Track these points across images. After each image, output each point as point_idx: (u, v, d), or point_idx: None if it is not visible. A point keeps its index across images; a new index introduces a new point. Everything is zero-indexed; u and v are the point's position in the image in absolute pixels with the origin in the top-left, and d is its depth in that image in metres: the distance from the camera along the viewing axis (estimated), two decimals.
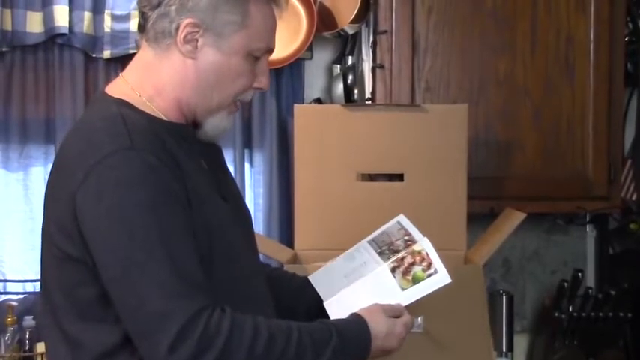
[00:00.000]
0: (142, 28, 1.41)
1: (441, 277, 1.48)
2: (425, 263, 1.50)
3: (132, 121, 1.33)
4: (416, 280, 1.49)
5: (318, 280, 1.62)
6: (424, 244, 1.53)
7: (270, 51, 1.46)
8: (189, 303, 1.23)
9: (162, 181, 1.28)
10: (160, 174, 1.28)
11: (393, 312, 1.46)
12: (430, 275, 1.49)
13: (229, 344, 1.24)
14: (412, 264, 1.51)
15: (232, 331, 1.24)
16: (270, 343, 1.27)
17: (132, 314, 1.24)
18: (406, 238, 1.59)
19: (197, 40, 1.37)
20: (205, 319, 1.23)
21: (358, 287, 1.52)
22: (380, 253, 1.58)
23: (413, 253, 1.52)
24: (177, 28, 1.36)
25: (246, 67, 1.41)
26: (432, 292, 1.48)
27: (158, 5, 1.36)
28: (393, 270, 1.51)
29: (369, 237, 1.63)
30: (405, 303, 1.48)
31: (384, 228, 1.62)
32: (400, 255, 1.53)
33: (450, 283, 1.48)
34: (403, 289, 1.49)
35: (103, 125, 1.33)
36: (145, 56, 1.41)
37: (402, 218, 1.62)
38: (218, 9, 1.36)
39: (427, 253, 1.51)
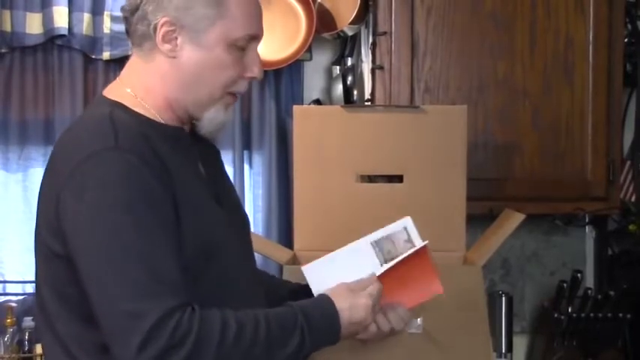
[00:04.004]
0: (127, 33, 1.43)
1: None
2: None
3: (121, 121, 1.34)
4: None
5: (313, 273, 1.60)
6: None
7: (256, 38, 1.43)
8: (161, 303, 1.23)
9: (142, 181, 1.28)
10: (141, 173, 1.28)
11: (359, 287, 1.46)
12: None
13: (199, 342, 1.24)
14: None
15: (201, 329, 1.24)
16: (240, 334, 1.27)
17: (104, 314, 1.25)
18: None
19: (176, 39, 1.37)
20: (176, 319, 1.23)
21: None
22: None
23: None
24: (155, 29, 1.37)
25: (231, 59, 1.40)
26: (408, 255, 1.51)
27: (137, 9, 1.38)
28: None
29: (372, 237, 1.58)
30: (382, 269, 1.50)
31: (389, 231, 1.57)
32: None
33: (427, 243, 1.51)
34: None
35: (91, 126, 1.35)
36: (135, 60, 1.44)
37: (408, 222, 1.57)
38: (191, 4, 1.36)
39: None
